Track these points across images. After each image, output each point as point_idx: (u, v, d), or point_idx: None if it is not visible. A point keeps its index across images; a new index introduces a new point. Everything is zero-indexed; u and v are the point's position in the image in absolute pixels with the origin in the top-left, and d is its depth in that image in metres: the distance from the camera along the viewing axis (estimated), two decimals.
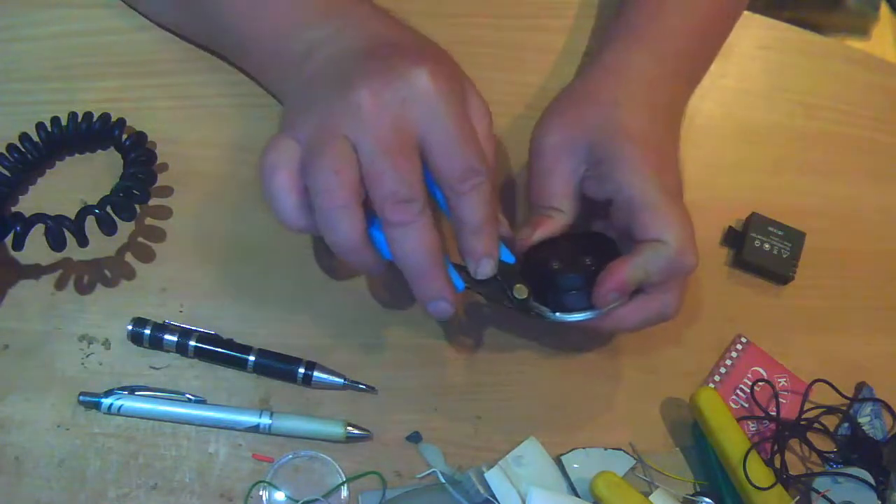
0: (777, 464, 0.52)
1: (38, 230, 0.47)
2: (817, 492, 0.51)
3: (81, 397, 0.47)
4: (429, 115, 0.42)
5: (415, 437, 0.50)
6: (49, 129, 0.51)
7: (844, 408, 0.56)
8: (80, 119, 0.51)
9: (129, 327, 0.49)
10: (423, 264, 0.43)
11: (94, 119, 0.51)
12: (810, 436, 0.54)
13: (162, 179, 0.52)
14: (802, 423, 0.54)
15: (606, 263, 0.47)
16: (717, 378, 0.56)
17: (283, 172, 0.42)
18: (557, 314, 0.48)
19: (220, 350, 0.49)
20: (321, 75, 0.45)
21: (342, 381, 0.50)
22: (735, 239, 0.59)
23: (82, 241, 0.48)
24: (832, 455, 0.54)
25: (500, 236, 0.46)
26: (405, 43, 0.46)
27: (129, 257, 0.51)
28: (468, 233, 0.44)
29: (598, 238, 0.50)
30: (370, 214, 0.43)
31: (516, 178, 0.57)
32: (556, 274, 0.48)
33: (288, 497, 0.48)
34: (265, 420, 0.48)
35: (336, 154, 0.41)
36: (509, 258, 0.47)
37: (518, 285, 0.47)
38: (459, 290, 0.45)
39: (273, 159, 0.43)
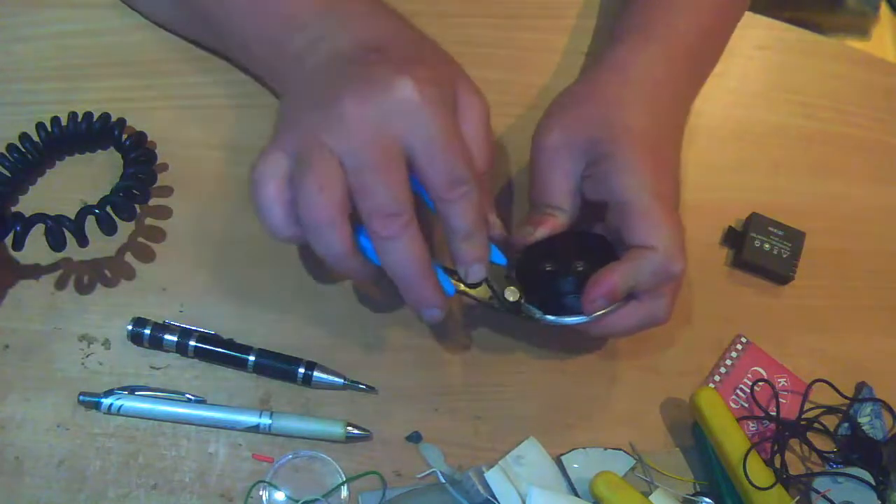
0: (777, 464, 0.52)
1: (38, 230, 0.47)
2: (817, 492, 0.51)
3: (81, 397, 0.47)
4: (413, 126, 0.42)
5: (415, 437, 0.50)
6: (49, 129, 0.51)
7: (844, 408, 0.56)
8: (80, 119, 0.51)
9: (129, 327, 0.49)
10: (411, 275, 0.43)
11: (94, 119, 0.51)
12: (810, 436, 0.54)
13: (162, 179, 0.52)
14: (802, 423, 0.54)
15: (599, 267, 0.46)
16: (717, 378, 0.56)
17: (271, 185, 0.43)
18: (548, 317, 0.48)
19: (220, 350, 0.49)
20: (314, 80, 0.45)
21: (342, 381, 0.50)
22: (735, 239, 0.59)
23: (82, 241, 0.48)
24: (832, 455, 0.54)
25: (492, 238, 0.46)
26: (395, 46, 0.45)
27: (129, 257, 0.51)
28: (458, 239, 0.44)
29: (595, 240, 0.50)
30: (358, 222, 0.43)
31: (517, 178, 0.57)
32: (548, 276, 0.47)
33: (288, 497, 0.48)
34: (265, 420, 0.48)
35: (321, 169, 0.41)
36: (500, 259, 0.47)
37: (510, 287, 0.47)
38: (450, 294, 0.46)
39: (261, 172, 0.43)
